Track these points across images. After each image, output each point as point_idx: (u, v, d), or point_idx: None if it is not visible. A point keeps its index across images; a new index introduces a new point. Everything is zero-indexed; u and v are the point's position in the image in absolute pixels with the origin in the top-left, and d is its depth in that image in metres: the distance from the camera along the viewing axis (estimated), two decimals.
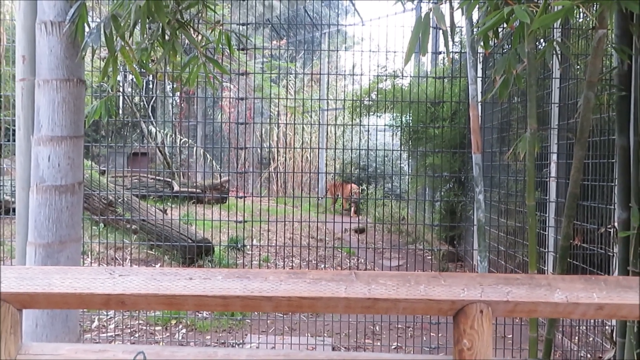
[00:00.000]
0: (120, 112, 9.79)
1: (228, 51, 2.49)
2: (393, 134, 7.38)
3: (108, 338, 3.83)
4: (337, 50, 10.64)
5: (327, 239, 6.21)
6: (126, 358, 1.21)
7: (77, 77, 2.21)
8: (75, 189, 2.21)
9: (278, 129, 13.64)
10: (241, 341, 3.77)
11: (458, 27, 4.83)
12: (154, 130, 10.75)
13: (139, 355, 1.21)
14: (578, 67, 3.74)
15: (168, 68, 4.07)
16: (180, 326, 4.16)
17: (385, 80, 6.91)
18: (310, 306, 1.23)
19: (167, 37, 2.18)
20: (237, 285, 1.21)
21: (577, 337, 3.52)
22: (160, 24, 2.04)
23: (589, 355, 3.27)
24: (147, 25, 1.97)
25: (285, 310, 1.31)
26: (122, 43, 2.10)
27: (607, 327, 3.27)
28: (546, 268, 3.71)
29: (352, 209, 10.06)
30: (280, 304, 1.22)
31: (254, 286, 1.20)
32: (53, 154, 2.15)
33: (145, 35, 2.02)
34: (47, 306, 1.25)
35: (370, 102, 6.35)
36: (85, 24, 2.12)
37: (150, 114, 11.14)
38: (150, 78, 11.02)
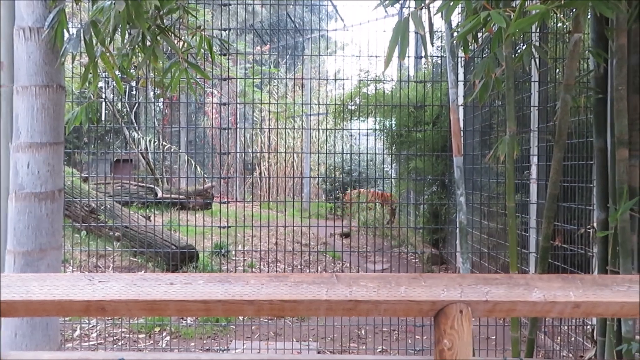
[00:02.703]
0: (103, 118, 9.70)
1: (211, 57, 2.49)
2: (377, 138, 7.42)
3: (90, 347, 3.78)
4: (321, 55, 10.69)
5: (312, 243, 6.22)
6: None
7: (56, 83, 2.19)
8: (55, 196, 2.19)
9: (262, 134, 13.63)
10: (226, 347, 3.74)
11: (438, 31, 4.88)
12: (137, 136, 10.67)
13: None
14: (558, 70, 3.81)
15: (151, 74, 4.06)
16: (164, 333, 4.13)
17: (369, 84, 6.95)
18: (292, 309, 1.24)
19: (148, 43, 2.18)
20: (219, 290, 1.21)
21: (559, 337, 3.56)
22: (141, 30, 2.03)
23: (570, 355, 3.32)
24: (127, 31, 1.97)
25: (267, 314, 1.31)
26: (102, 49, 2.09)
27: (588, 327, 3.32)
28: (528, 269, 3.76)
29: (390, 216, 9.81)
30: (262, 308, 1.22)
31: (235, 290, 1.20)
32: (32, 161, 2.13)
33: (125, 41, 2.02)
34: (25, 314, 1.23)
35: (354, 107, 6.38)
36: (65, 30, 2.10)
37: (134, 120, 11.05)
38: (134, 84, 10.95)
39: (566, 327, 3.49)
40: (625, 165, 2.29)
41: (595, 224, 2.78)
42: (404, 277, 1.26)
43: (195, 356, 1.19)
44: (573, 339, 3.41)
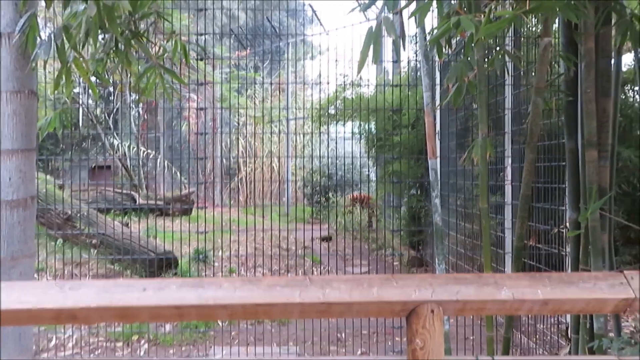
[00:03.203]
0: (80, 124, 9.57)
1: (186, 62, 2.48)
2: (358, 141, 7.46)
3: (66, 357, 3.71)
4: (302, 59, 10.71)
5: (293, 248, 6.21)
6: None
7: (28, 89, 2.16)
8: (27, 203, 2.16)
9: (244, 139, 13.59)
10: (205, 354, 3.72)
11: (415, 36, 4.93)
12: (115, 142, 10.54)
13: None
14: (533, 74, 3.88)
15: (131, 79, 4.02)
16: (143, 341, 4.08)
17: (349, 88, 6.99)
18: (266, 313, 1.24)
19: (122, 48, 2.17)
20: (192, 295, 1.20)
21: (535, 336, 3.62)
22: (114, 35, 2.02)
23: (546, 352, 3.38)
24: (100, 36, 1.95)
25: (241, 318, 1.31)
26: (75, 54, 2.07)
27: (562, 325, 3.38)
28: (504, 269, 3.81)
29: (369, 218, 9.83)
30: (235, 312, 1.22)
31: (209, 295, 1.20)
32: (3, 168, 2.09)
33: (98, 46, 2.00)
34: None
35: (335, 110, 6.41)
36: (37, 35, 2.08)
37: (112, 126, 10.93)
38: (112, 89, 10.82)
39: (542, 326, 3.55)
40: (595, 166, 2.35)
41: (567, 224, 2.84)
42: (376, 278, 1.27)
43: None
44: (548, 337, 3.47)
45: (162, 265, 5.42)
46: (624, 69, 4.70)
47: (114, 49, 2.16)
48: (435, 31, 2.32)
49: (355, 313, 1.25)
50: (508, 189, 3.83)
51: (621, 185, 4.44)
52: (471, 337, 3.78)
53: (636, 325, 3.88)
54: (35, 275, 3.22)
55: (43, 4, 2.22)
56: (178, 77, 2.31)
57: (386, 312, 1.25)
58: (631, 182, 4.55)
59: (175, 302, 1.19)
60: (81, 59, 2.16)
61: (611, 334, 2.52)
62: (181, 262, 5.60)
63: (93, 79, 2.44)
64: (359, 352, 3.68)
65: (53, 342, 3.96)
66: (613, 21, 2.39)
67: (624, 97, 5.13)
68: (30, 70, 2.14)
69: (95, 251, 5.43)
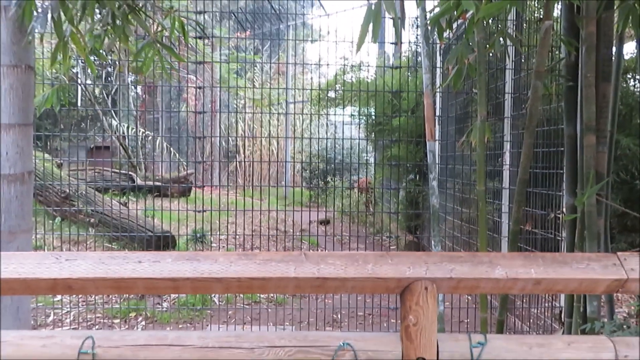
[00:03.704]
0: (79, 104, 9.52)
1: (191, 42, 2.46)
2: (358, 125, 7.44)
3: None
4: (302, 41, 10.62)
5: (292, 230, 6.23)
6: (74, 343, 1.20)
7: (25, 64, 2.14)
8: (24, 178, 2.16)
9: (243, 121, 13.54)
10: (202, 331, 3.75)
11: (417, 18, 4.89)
12: (114, 122, 10.51)
13: (88, 340, 1.20)
14: (533, 59, 3.86)
15: (128, 58, 3.99)
16: (140, 318, 4.11)
17: (350, 71, 6.95)
18: (261, 287, 1.25)
19: (119, 23, 2.14)
20: (187, 268, 1.21)
21: (529, 320, 3.66)
22: (110, 9, 2.00)
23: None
24: (97, 10, 1.94)
25: (235, 292, 1.32)
26: (72, 29, 2.05)
27: (556, 309, 3.41)
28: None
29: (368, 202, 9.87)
30: (230, 286, 1.23)
31: (204, 268, 1.21)
32: (1, 142, 2.09)
33: (95, 21, 1.98)
34: None
35: (335, 94, 6.38)
36: (33, 8, 2.05)
37: (111, 106, 10.88)
38: (110, 70, 10.76)
39: (536, 310, 3.58)
40: (593, 151, 2.35)
41: (564, 209, 2.85)
42: (371, 255, 1.28)
43: (163, 334, 1.19)
44: (542, 321, 3.50)
45: (160, 244, 5.44)
46: (626, 57, 4.68)
47: (111, 24, 2.14)
48: (436, 11, 2.30)
49: (349, 289, 1.26)
50: (506, 174, 3.83)
51: (619, 173, 4.45)
52: (465, 320, 3.82)
53: (629, 310, 3.92)
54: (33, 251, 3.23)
55: None
56: (176, 54, 2.29)
57: (380, 288, 1.26)
58: (629, 171, 4.55)
59: (171, 275, 1.20)
60: (78, 34, 2.14)
61: (605, 319, 2.54)
62: (179, 242, 5.62)
63: (91, 57, 2.42)
64: (355, 332, 3.71)
65: (51, 318, 3.99)
66: (615, 5, 2.37)
67: (625, 85, 5.11)
68: (27, 43, 2.12)
69: (94, 230, 5.45)
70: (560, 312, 3.26)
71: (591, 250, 2.36)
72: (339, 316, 4.20)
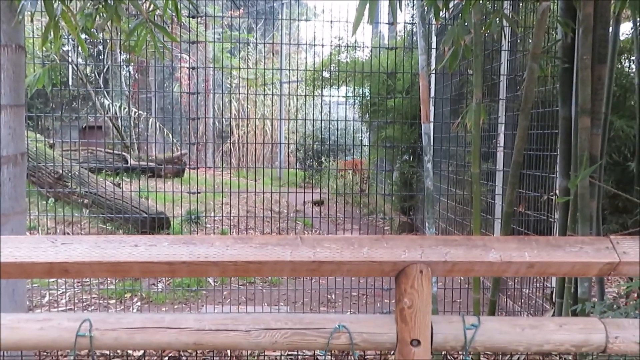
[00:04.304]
0: (70, 83, 9.40)
1: (184, 21, 2.43)
2: (352, 105, 7.41)
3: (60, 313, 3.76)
4: (296, 20, 10.49)
5: (286, 211, 6.24)
6: (71, 325, 1.20)
7: (15, 43, 2.11)
8: (17, 159, 2.14)
9: (237, 102, 13.45)
10: (197, 312, 3.78)
11: None
12: (106, 102, 10.40)
13: (85, 323, 1.21)
14: (529, 40, 3.84)
15: (121, 37, 3.93)
16: (135, 299, 4.14)
17: (344, 51, 6.89)
18: (257, 270, 1.25)
19: (111, 2, 2.11)
20: (183, 251, 1.21)
21: (521, 300, 3.71)
22: None
23: (531, 315, 3.46)
24: None
25: (232, 275, 1.33)
26: (63, 7, 2.01)
27: (547, 290, 3.46)
28: (493, 235, 3.87)
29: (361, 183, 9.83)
30: (226, 269, 1.24)
31: (200, 252, 1.21)
32: None
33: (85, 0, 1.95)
34: None
35: (329, 74, 6.33)
36: None
37: (102, 86, 10.75)
38: (101, 48, 10.59)
39: (527, 290, 3.63)
40: (587, 133, 2.36)
41: (557, 191, 2.87)
42: (366, 239, 1.28)
43: (160, 317, 1.20)
44: (534, 301, 3.55)
45: (154, 225, 5.44)
46: (621, 38, 4.66)
47: (103, 3, 2.10)
48: None
49: (345, 272, 1.27)
50: (500, 155, 3.84)
51: (612, 154, 4.48)
52: (458, 300, 3.87)
53: (619, 290, 3.98)
54: (27, 233, 3.22)
55: None
56: (169, 34, 2.26)
57: (376, 271, 1.27)
58: (622, 152, 4.58)
59: (167, 259, 1.20)
60: (69, 13, 2.10)
61: (595, 300, 2.58)
62: (173, 223, 5.62)
63: (83, 36, 2.38)
64: (349, 312, 3.76)
65: (46, 299, 4.00)
66: None
67: (619, 66, 5.11)
68: (17, 23, 2.08)
69: (87, 211, 5.43)
70: (552, 292, 3.31)
71: (583, 232, 2.38)
72: (334, 296, 4.24)
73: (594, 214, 2.44)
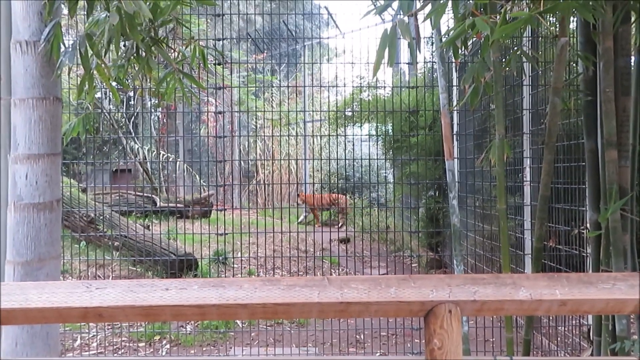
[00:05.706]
0: (102, 129, 9.74)
1: (204, 66, 2.53)
2: (376, 143, 7.46)
3: (91, 356, 3.79)
4: (318, 63, 10.74)
5: (312, 250, 6.23)
6: None
7: (53, 95, 2.23)
8: (53, 206, 2.22)
9: (261, 141, 13.68)
10: (225, 354, 3.76)
11: (431, 37, 4.93)
12: (135, 146, 10.70)
13: None
14: (550, 74, 3.85)
15: (148, 84, 4.10)
16: (164, 341, 4.14)
17: (366, 90, 7.00)
18: (285, 312, 1.26)
19: (143, 54, 2.22)
20: (213, 294, 1.23)
21: (557, 339, 3.58)
22: (135, 42, 2.07)
23: (567, 355, 3.34)
24: (121, 43, 2.01)
25: (260, 318, 1.34)
26: (98, 61, 2.13)
27: (584, 327, 3.34)
28: (524, 270, 3.78)
29: (340, 222, 9.87)
30: (255, 311, 1.25)
31: (229, 294, 1.23)
32: (30, 172, 2.16)
33: (120, 53, 2.05)
34: (24, 321, 1.26)
35: (352, 112, 6.43)
36: (61, 43, 2.14)
37: (132, 130, 11.10)
38: (132, 94, 11.00)
39: (563, 328, 3.51)
40: (615, 165, 2.33)
41: (588, 225, 2.81)
42: (394, 278, 1.28)
43: None
44: (570, 339, 3.43)
45: (182, 266, 5.50)
46: None
47: (135, 55, 2.21)
48: (450, 33, 2.33)
49: (373, 313, 1.27)
50: (527, 189, 3.80)
51: None
52: (491, 339, 3.76)
53: None
54: (61, 277, 3.29)
55: (66, 12, 2.28)
56: (197, 81, 2.36)
57: (404, 312, 1.27)
58: None
59: (197, 302, 1.22)
60: (103, 65, 2.22)
61: (635, 337, 2.49)
62: (201, 263, 5.67)
63: (114, 84, 2.50)
64: (378, 353, 3.68)
65: (78, 342, 4.04)
66: (632, 19, 2.37)
67: None
68: (55, 77, 2.20)
69: (118, 253, 5.53)
70: (589, 330, 3.19)
71: (617, 267, 2.32)
72: (362, 337, 4.16)
73: (627, 247, 2.38)
